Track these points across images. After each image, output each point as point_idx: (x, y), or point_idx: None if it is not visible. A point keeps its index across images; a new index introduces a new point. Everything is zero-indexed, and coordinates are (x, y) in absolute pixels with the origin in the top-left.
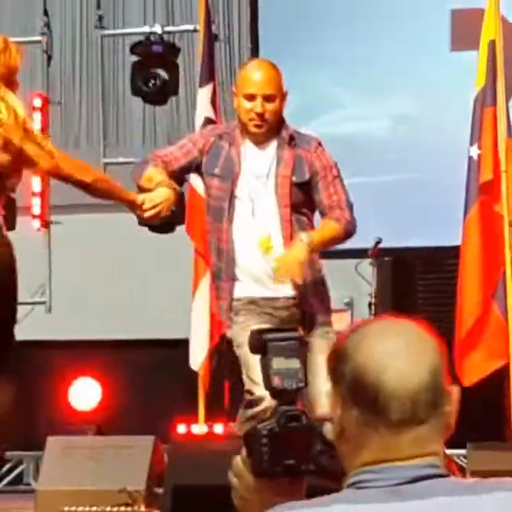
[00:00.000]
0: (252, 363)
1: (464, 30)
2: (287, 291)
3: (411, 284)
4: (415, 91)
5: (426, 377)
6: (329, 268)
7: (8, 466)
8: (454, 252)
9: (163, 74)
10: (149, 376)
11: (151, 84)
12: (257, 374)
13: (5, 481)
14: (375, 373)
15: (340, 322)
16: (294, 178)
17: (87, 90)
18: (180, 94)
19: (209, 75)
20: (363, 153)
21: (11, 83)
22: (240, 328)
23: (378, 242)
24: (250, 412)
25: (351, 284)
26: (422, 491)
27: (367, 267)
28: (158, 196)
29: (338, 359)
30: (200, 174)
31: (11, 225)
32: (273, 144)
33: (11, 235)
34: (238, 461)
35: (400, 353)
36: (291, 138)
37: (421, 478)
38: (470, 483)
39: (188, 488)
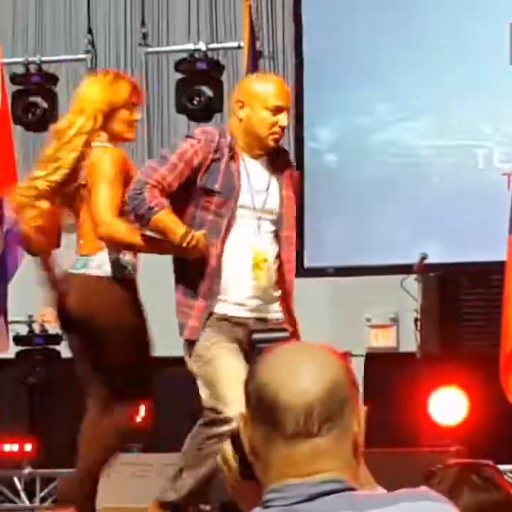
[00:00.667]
0: (226, 382)
1: None
2: (272, 315)
3: (456, 300)
4: (471, 104)
5: (322, 393)
6: (375, 284)
7: (54, 483)
8: (499, 267)
9: (207, 91)
10: (186, 393)
11: (195, 102)
12: (230, 393)
13: (52, 499)
14: (273, 389)
15: (386, 338)
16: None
17: None
18: (225, 111)
19: None
20: (411, 168)
21: (115, 119)
22: (209, 344)
23: (424, 258)
24: (215, 431)
25: (397, 300)
26: (319, 509)
27: (412, 283)
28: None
29: (247, 380)
30: (190, 186)
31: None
32: (265, 158)
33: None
34: (226, 453)
35: (297, 370)
36: (280, 152)
37: (320, 494)
38: (375, 496)
39: (235, 505)
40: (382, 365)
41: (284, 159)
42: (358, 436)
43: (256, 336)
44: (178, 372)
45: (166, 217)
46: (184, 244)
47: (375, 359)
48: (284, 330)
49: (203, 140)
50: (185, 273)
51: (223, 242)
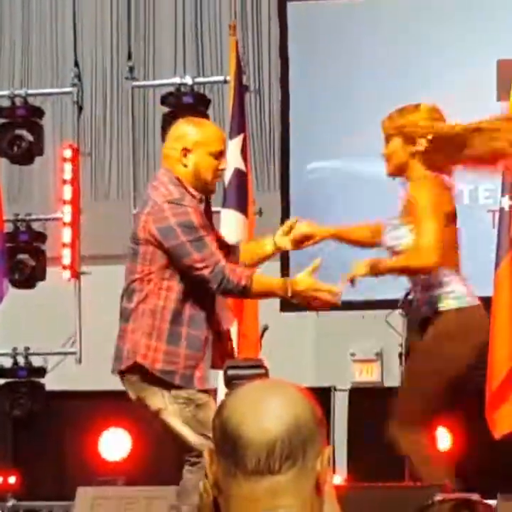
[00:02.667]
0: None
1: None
2: None
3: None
4: None
5: (284, 431)
6: (359, 319)
7: None
8: (485, 304)
9: None
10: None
11: None
12: None
13: None
14: (236, 424)
15: (370, 372)
16: None
17: (117, 141)
18: None
19: (239, 126)
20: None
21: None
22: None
23: (408, 294)
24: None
25: (381, 335)
26: None
27: (397, 318)
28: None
29: (214, 415)
30: None
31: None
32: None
33: (41, 285)
34: (204, 487)
35: (261, 407)
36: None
37: None
38: None
39: None
40: (366, 399)
41: (208, 203)
42: (322, 474)
43: (231, 372)
44: None
45: (259, 286)
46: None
47: (359, 394)
48: (260, 366)
49: (189, 200)
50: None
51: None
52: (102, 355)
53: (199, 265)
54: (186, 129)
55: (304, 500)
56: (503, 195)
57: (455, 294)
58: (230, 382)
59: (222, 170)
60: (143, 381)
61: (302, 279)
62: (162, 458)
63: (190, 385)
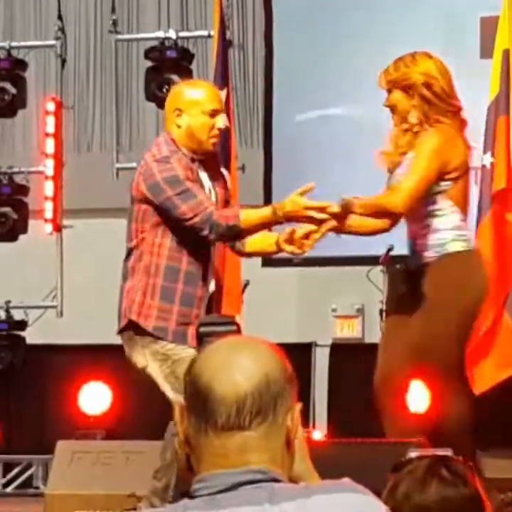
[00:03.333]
0: None
1: (493, 38)
2: None
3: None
4: None
5: (255, 387)
6: (341, 275)
7: (17, 469)
8: None
9: (177, 79)
10: (151, 380)
11: (165, 90)
12: None
13: (14, 485)
14: (207, 380)
15: (351, 328)
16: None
17: (100, 95)
18: None
19: (223, 80)
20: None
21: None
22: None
23: (390, 250)
24: None
25: (362, 291)
26: (237, 500)
27: (378, 274)
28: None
29: (185, 372)
30: None
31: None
32: (202, 161)
33: (22, 238)
34: (178, 444)
35: (232, 362)
36: (213, 153)
37: (242, 483)
38: (293, 489)
39: None
40: (347, 355)
41: (215, 160)
42: (292, 432)
43: (203, 329)
44: None
45: (249, 221)
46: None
47: (340, 350)
48: (232, 323)
49: (177, 159)
50: None
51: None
52: (83, 309)
53: (188, 216)
54: (179, 90)
55: (273, 456)
56: (484, 153)
57: (465, 237)
58: (202, 339)
59: (219, 129)
60: (131, 339)
61: (291, 199)
62: (142, 413)
63: (183, 342)
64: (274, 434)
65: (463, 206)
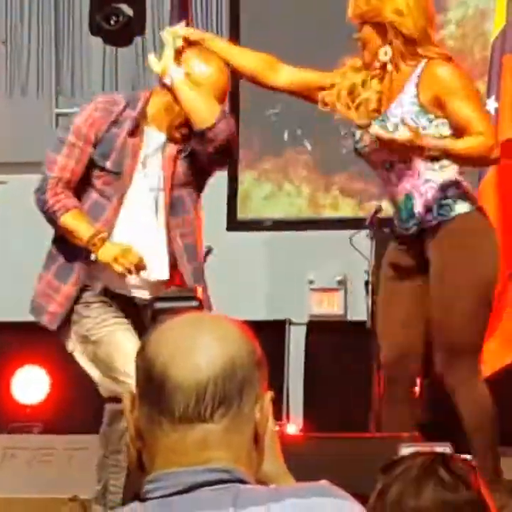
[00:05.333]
0: (122, 355)
1: None
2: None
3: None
4: None
5: (218, 371)
6: (319, 240)
7: None
8: None
9: (127, 9)
10: None
11: (112, 22)
12: (128, 366)
13: None
14: (163, 364)
15: (331, 303)
16: None
17: (37, 28)
18: (147, 33)
19: (181, 10)
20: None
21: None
22: (95, 323)
23: (377, 211)
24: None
25: (345, 260)
26: (195, 503)
27: (363, 240)
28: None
29: (137, 354)
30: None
31: None
32: None
33: None
34: (128, 439)
35: (192, 344)
36: None
37: (201, 484)
38: (262, 491)
39: None
40: (326, 335)
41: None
42: (261, 425)
43: (158, 304)
44: None
45: (70, 221)
46: (92, 249)
47: (318, 328)
48: (193, 298)
49: (101, 109)
50: None
51: None
52: (16, 278)
53: (44, 164)
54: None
55: (239, 453)
56: (488, 97)
57: (467, 196)
58: (157, 317)
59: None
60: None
61: (110, 246)
62: (86, 402)
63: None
64: (239, 428)
65: None
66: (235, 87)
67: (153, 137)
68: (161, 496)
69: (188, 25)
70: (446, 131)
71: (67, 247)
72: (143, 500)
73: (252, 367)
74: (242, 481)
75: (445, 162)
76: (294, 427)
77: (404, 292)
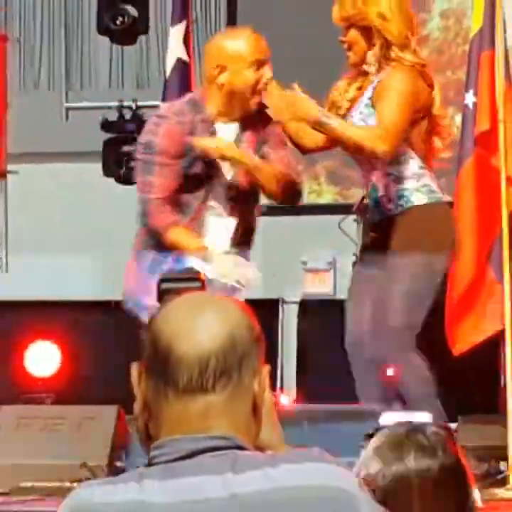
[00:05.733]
0: None
1: None
2: None
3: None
4: None
5: (219, 346)
6: (310, 225)
7: None
8: (448, 207)
9: (132, 10)
10: (113, 340)
11: (118, 22)
12: None
13: None
14: (168, 339)
15: (322, 283)
16: None
17: (48, 27)
18: (151, 32)
19: (182, 11)
20: None
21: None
22: None
23: (364, 197)
24: None
25: (334, 243)
26: (196, 467)
27: (351, 224)
28: None
29: (145, 330)
30: None
31: None
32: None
33: None
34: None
35: (195, 321)
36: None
37: (202, 450)
38: (259, 457)
39: None
40: (318, 313)
41: (263, 119)
42: (259, 396)
43: (164, 285)
44: (97, 318)
45: (174, 237)
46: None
47: (310, 306)
48: (196, 279)
49: (175, 123)
50: None
51: None
52: (29, 263)
53: (138, 187)
54: (218, 43)
55: (238, 422)
56: (466, 91)
57: (428, 188)
58: (163, 297)
59: (266, 82)
60: None
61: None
62: (95, 374)
63: None
64: (239, 399)
65: (423, 153)
66: None
67: (225, 130)
68: (166, 461)
69: (188, 25)
70: None
71: (158, 244)
72: (149, 465)
73: (251, 343)
74: (240, 448)
75: (404, 154)
76: (286, 399)
77: (367, 277)
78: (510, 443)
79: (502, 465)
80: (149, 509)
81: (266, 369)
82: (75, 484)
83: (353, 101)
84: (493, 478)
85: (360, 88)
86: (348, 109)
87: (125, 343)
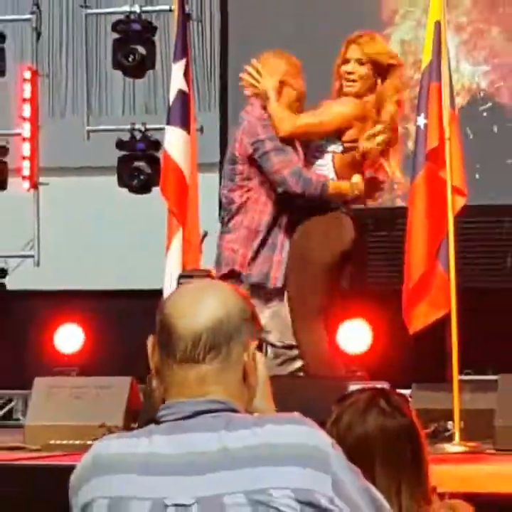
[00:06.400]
0: None
1: None
2: None
3: (363, 241)
4: None
5: (211, 324)
6: None
7: None
8: (402, 212)
9: (141, 50)
10: (128, 323)
11: (130, 59)
12: None
13: None
14: (171, 317)
15: None
16: None
17: (72, 64)
18: (157, 68)
19: (182, 51)
20: None
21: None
22: None
23: None
24: None
25: None
26: (197, 426)
27: None
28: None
29: (157, 310)
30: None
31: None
32: None
33: (2, 194)
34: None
35: (195, 303)
36: None
37: (202, 412)
38: (248, 418)
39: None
40: None
41: None
42: (248, 366)
43: (182, 280)
44: (114, 305)
45: (335, 184)
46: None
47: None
48: (207, 275)
49: None
50: None
51: None
52: (57, 258)
53: (277, 167)
54: (275, 61)
55: (230, 388)
56: (418, 115)
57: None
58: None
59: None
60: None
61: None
62: (111, 352)
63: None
64: (229, 369)
65: (341, 175)
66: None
67: None
68: (173, 420)
69: (187, 63)
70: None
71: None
72: (158, 423)
73: (241, 321)
74: (234, 411)
75: (321, 162)
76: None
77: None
78: (455, 406)
79: (449, 424)
80: (157, 459)
81: (254, 344)
82: (94, 442)
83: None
84: (441, 436)
85: None
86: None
87: (137, 327)
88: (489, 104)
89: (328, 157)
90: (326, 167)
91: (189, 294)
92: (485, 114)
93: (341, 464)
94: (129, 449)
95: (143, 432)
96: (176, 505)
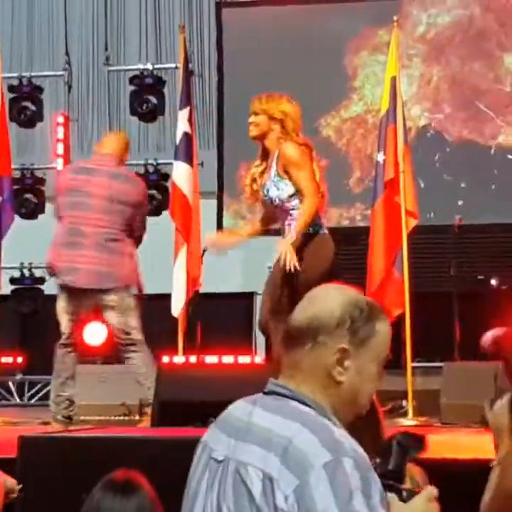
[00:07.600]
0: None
1: None
2: None
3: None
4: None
5: (308, 320)
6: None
7: (38, 386)
8: (366, 230)
9: (153, 100)
10: (143, 320)
11: (144, 107)
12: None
13: (36, 398)
14: (296, 310)
15: None
16: None
17: (97, 111)
18: (166, 114)
19: (187, 100)
20: None
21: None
22: None
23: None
24: None
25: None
26: (264, 401)
27: None
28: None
29: None
30: None
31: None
32: None
33: (41, 217)
34: None
35: (313, 301)
36: None
37: (270, 392)
38: (281, 406)
39: (170, 402)
40: None
41: None
42: (332, 365)
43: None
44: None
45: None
46: None
47: None
48: (422, 441)
49: None
50: None
51: None
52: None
53: None
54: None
55: (308, 379)
56: (379, 152)
57: (316, 223)
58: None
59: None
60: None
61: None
62: None
63: None
64: (315, 361)
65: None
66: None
67: None
68: (264, 393)
69: (191, 110)
70: (292, 189)
71: None
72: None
73: (335, 325)
74: (294, 399)
75: (298, 205)
76: (259, 358)
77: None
78: (409, 387)
79: (404, 403)
80: (249, 427)
81: (340, 350)
82: (116, 418)
83: (263, 173)
84: (397, 412)
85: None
86: (262, 180)
87: (149, 324)
88: (433, 136)
89: (297, 199)
90: (299, 206)
91: (316, 293)
92: (429, 144)
93: (323, 483)
94: (236, 412)
95: (252, 399)
96: (213, 458)
